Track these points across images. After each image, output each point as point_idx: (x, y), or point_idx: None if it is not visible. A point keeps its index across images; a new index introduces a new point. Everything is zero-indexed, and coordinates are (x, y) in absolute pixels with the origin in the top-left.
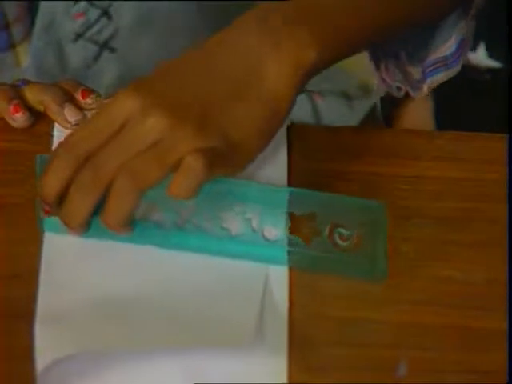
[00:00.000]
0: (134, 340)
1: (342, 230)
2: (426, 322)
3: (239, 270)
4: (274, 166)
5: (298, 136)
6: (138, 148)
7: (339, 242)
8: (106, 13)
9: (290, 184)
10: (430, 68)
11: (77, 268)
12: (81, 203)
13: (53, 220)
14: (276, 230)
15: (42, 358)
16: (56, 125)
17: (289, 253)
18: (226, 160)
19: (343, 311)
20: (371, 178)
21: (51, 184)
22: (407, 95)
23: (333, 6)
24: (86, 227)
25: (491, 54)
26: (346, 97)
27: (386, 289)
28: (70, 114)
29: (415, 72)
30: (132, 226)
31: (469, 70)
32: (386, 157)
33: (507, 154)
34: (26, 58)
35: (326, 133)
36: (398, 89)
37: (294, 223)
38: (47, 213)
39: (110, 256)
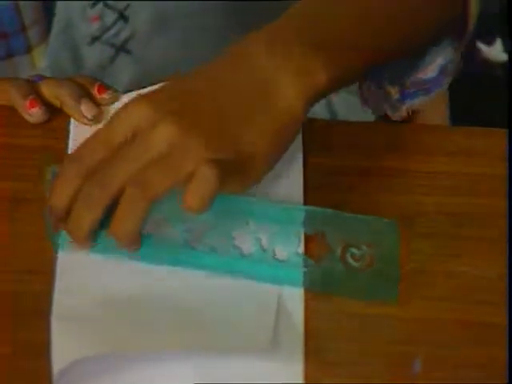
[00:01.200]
0: (148, 342)
1: (354, 250)
2: (441, 317)
3: None
4: (290, 180)
5: (313, 132)
6: (148, 158)
7: (351, 262)
8: (122, 16)
9: (305, 182)
10: (410, 90)
11: (91, 269)
12: (87, 215)
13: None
14: (287, 249)
15: (59, 359)
16: (72, 120)
17: (302, 274)
18: (239, 172)
19: (358, 307)
20: (387, 174)
21: (59, 197)
22: (386, 116)
23: (342, 26)
24: (91, 241)
25: (507, 49)
26: None
27: (401, 285)
28: (87, 109)
29: (394, 92)
30: (141, 241)
31: (483, 64)
32: (402, 152)
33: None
34: (42, 60)
35: (342, 128)
36: (378, 109)
37: (306, 243)
38: (56, 228)
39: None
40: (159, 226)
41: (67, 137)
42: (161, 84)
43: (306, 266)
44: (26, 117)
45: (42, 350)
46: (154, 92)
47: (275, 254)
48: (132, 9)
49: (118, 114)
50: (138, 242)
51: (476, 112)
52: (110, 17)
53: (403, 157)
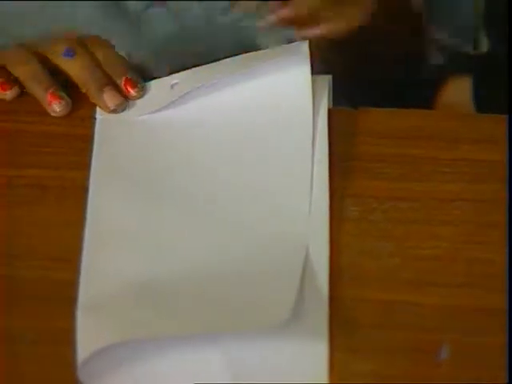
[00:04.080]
0: (173, 326)
1: None
2: (466, 304)
3: (278, 249)
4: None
5: (336, 120)
6: None
7: None
8: None
9: (330, 168)
10: None
11: (117, 255)
12: None
13: None
14: None
15: (84, 347)
16: (98, 108)
17: None
18: None
19: (384, 294)
20: (412, 161)
21: None
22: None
23: None
24: None
25: None
26: None
27: (427, 271)
28: (110, 99)
29: None
30: None
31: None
32: (427, 139)
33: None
34: None
35: (365, 116)
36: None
37: None
38: None
39: (148, 242)
40: None
41: (94, 124)
42: None
43: None
44: (48, 109)
45: (67, 336)
46: None
47: None
48: None
49: None
50: None
51: (501, 99)
52: None
53: (428, 144)
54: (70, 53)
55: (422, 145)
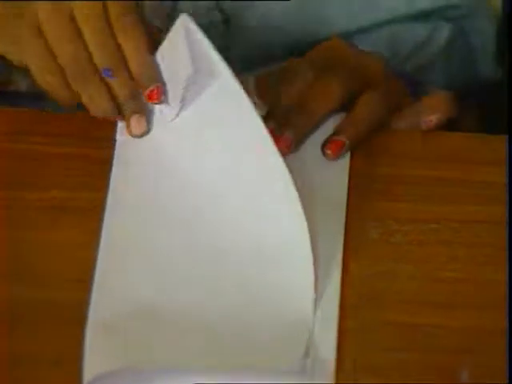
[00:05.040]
0: (180, 354)
1: None
2: (486, 326)
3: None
4: (336, 170)
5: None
6: None
7: None
8: (226, 21)
9: (350, 190)
10: None
11: (129, 277)
12: None
13: None
14: None
15: (90, 369)
16: (118, 130)
17: None
18: None
19: (404, 316)
20: (432, 183)
21: None
22: None
23: None
24: None
25: None
26: None
27: (449, 293)
28: (136, 127)
29: None
30: None
31: None
32: (446, 161)
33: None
34: None
35: (387, 137)
36: None
37: None
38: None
39: (161, 267)
40: None
41: (114, 147)
42: None
43: None
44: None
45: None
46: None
47: None
48: (236, 18)
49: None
50: None
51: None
52: (215, 18)
53: (448, 165)
54: (109, 72)
55: (441, 167)
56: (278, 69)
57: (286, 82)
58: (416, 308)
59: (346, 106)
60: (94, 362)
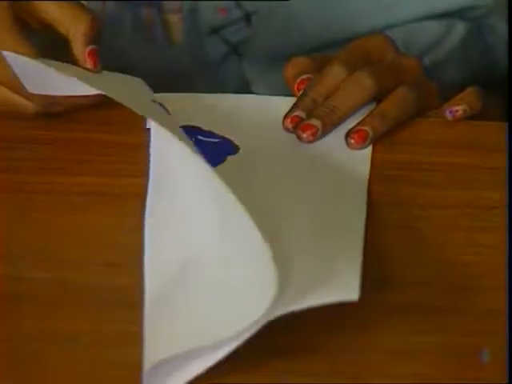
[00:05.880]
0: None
1: None
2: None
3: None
4: (358, 157)
5: None
6: None
7: None
8: (247, 17)
9: (371, 176)
10: None
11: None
12: None
13: None
14: None
15: (151, 355)
16: (148, 119)
17: None
18: None
19: (426, 299)
20: (451, 169)
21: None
22: None
23: None
24: None
25: None
26: None
27: (468, 277)
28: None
29: None
30: None
31: None
32: (467, 148)
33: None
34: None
35: (407, 125)
36: None
37: None
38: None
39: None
40: None
41: (148, 135)
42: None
43: None
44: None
45: (124, 340)
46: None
47: None
48: (259, 15)
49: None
50: None
51: None
52: (236, 14)
53: (467, 152)
54: None
55: (462, 153)
56: (313, 57)
57: (320, 71)
58: (438, 291)
59: (379, 101)
60: (154, 347)
